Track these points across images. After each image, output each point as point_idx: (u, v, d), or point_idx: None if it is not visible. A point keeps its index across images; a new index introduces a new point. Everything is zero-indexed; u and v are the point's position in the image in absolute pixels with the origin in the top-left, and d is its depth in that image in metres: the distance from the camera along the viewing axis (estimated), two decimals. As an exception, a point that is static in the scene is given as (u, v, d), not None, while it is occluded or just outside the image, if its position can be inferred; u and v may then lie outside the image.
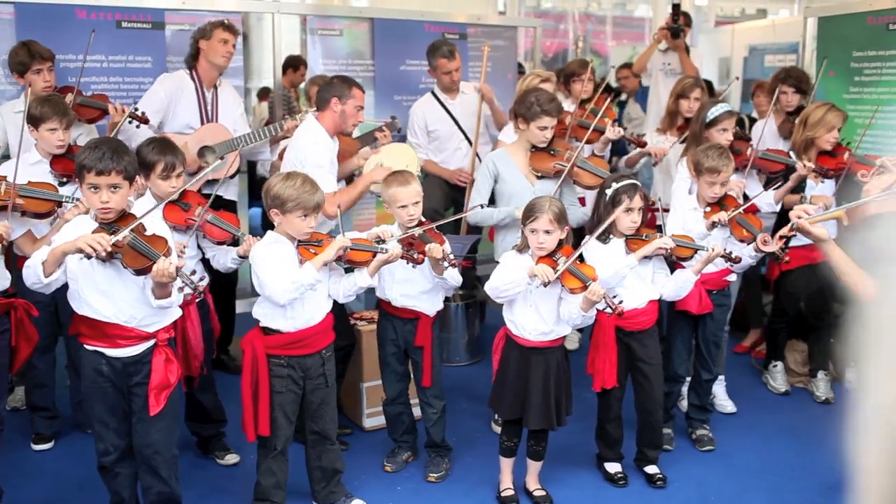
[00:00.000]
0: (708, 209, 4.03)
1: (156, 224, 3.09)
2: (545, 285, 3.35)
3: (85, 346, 3.07)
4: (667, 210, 4.29)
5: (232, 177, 4.22)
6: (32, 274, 2.93)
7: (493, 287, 3.49)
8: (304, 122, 4.24)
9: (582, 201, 4.69)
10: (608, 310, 3.38)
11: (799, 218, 2.75)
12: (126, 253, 2.88)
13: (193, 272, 2.90)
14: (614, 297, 3.36)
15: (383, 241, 3.48)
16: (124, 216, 2.99)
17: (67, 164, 3.84)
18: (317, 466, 3.58)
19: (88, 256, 2.79)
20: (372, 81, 5.87)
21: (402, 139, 5.57)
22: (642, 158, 5.10)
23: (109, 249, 2.80)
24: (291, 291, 3.24)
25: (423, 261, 3.52)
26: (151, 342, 3.07)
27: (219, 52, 4.58)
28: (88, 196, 2.96)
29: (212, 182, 4.40)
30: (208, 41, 4.58)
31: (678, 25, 6.47)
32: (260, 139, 4.50)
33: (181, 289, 2.90)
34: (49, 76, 4.25)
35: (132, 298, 3.00)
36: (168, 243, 2.96)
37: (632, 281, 3.67)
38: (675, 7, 6.60)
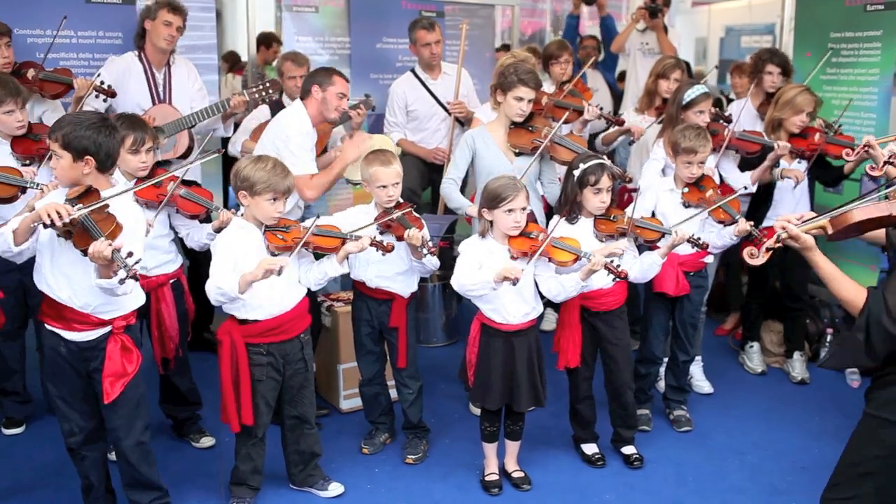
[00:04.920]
0: (685, 190, 4.02)
1: (124, 207, 2.95)
2: (514, 283, 3.27)
3: (46, 325, 3.01)
4: (637, 189, 4.29)
5: (184, 156, 4.14)
6: (3, 242, 2.84)
7: (460, 285, 3.44)
8: (290, 106, 4.16)
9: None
10: (611, 275, 3.39)
11: (783, 228, 2.66)
12: (77, 232, 2.76)
13: (130, 254, 2.70)
14: (611, 261, 3.36)
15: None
16: (89, 193, 2.86)
17: (29, 145, 3.75)
18: (295, 450, 3.55)
19: (45, 225, 2.68)
20: (348, 59, 5.79)
21: (377, 118, 5.51)
22: (620, 137, 5.08)
23: (66, 221, 2.67)
24: (215, 296, 3.20)
25: (392, 248, 3.48)
26: (107, 329, 2.98)
27: (161, 35, 4.43)
28: None
29: (164, 163, 4.31)
30: (153, 22, 4.45)
31: (656, 5, 6.44)
32: (208, 117, 4.40)
33: (116, 272, 2.70)
34: (7, 51, 4.10)
35: (89, 284, 2.88)
36: (115, 221, 2.80)
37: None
38: None
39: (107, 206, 2.84)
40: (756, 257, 2.73)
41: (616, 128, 4.99)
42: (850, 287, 2.57)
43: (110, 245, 2.69)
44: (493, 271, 3.29)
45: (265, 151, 3.83)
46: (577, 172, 3.63)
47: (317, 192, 4.02)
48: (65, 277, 2.91)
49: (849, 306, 2.57)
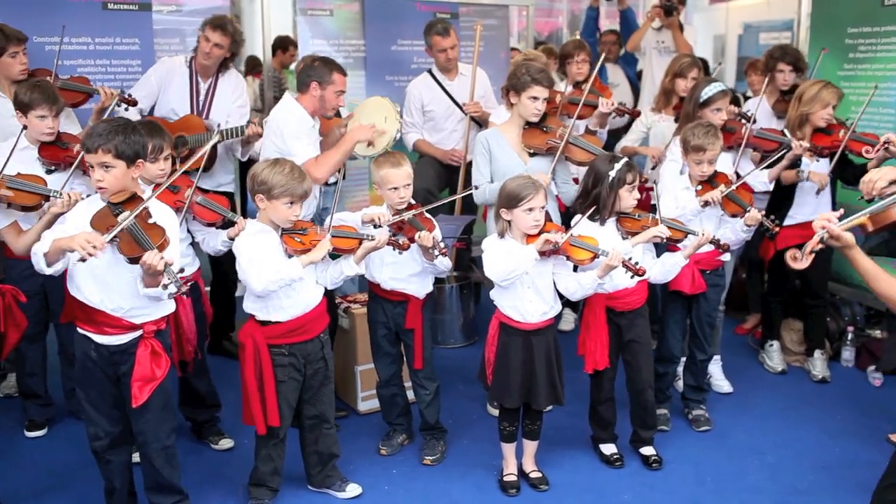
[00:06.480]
0: (699, 187, 4.01)
1: (161, 212, 3.02)
2: (556, 248, 3.38)
3: (77, 329, 3.04)
4: (653, 188, 4.28)
5: (206, 169, 4.14)
6: (36, 263, 2.90)
7: (499, 272, 3.42)
8: (282, 102, 4.16)
9: (576, 180, 4.65)
10: (629, 273, 3.39)
11: (823, 228, 2.59)
12: (123, 238, 2.82)
13: (181, 270, 2.82)
14: (629, 258, 3.36)
15: (378, 226, 3.43)
16: (133, 199, 2.92)
17: (56, 152, 3.79)
18: (313, 451, 3.56)
19: (83, 259, 2.74)
20: (363, 62, 5.81)
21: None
22: (637, 155, 5.09)
23: (101, 253, 2.75)
24: (272, 283, 3.21)
25: (409, 247, 3.50)
26: (138, 333, 3.01)
27: (202, 49, 4.52)
28: (92, 178, 2.93)
29: (188, 173, 4.35)
30: (201, 34, 4.52)
31: (671, 3, 6.42)
32: (229, 137, 4.39)
33: (166, 286, 2.80)
34: (24, 59, 4.15)
35: (124, 288, 2.94)
36: (165, 234, 2.89)
37: None
38: None
39: (150, 213, 2.90)
40: (799, 260, 2.65)
41: (635, 140, 5.02)
42: (894, 284, 2.53)
43: (163, 259, 2.76)
44: (534, 244, 3.38)
45: (266, 151, 3.85)
46: (612, 174, 3.62)
47: (325, 171, 3.99)
48: (97, 282, 2.95)
49: (891, 304, 2.53)
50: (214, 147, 4.42)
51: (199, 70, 4.60)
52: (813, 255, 2.65)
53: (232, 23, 4.57)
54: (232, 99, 4.70)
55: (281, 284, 3.24)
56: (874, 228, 2.58)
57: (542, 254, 3.41)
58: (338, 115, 4.58)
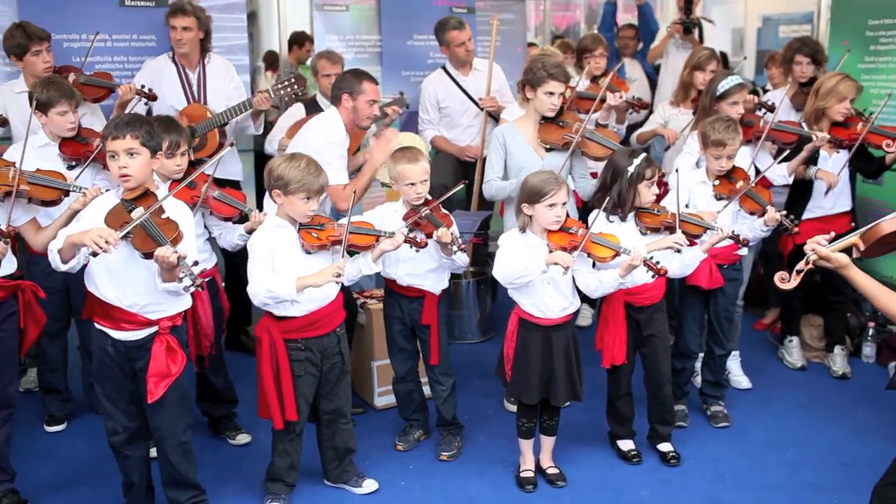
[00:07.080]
0: (717, 182, 3.98)
1: (179, 211, 3.03)
2: (565, 272, 3.35)
3: (94, 324, 3.07)
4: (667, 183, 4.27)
5: (212, 155, 4.17)
6: (52, 260, 2.93)
7: (506, 274, 3.42)
8: (325, 112, 4.16)
9: (594, 175, 4.63)
10: (650, 272, 3.38)
11: (813, 251, 2.61)
12: (136, 234, 2.84)
13: (195, 263, 2.82)
14: (650, 258, 3.34)
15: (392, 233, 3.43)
16: (146, 195, 2.94)
17: (77, 148, 3.82)
18: (330, 446, 3.56)
19: (95, 254, 2.76)
20: (379, 57, 5.81)
21: (410, 115, 5.51)
22: (653, 137, 5.05)
23: (115, 248, 2.76)
24: (264, 299, 3.21)
25: (427, 245, 3.49)
26: (153, 329, 3.03)
27: (174, 39, 4.54)
28: (111, 168, 2.95)
29: (195, 162, 4.37)
30: (169, 28, 4.54)
31: (690, 21, 6.36)
32: (236, 114, 4.42)
33: (181, 280, 2.81)
34: (48, 56, 4.19)
35: (139, 284, 2.96)
36: (178, 228, 2.90)
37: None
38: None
39: (164, 209, 2.92)
40: (787, 281, 2.67)
41: (650, 128, 4.97)
42: (893, 300, 2.52)
43: (176, 253, 2.77)
44: (544, 255, 3.35)
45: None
46: (631, 169, 3.60)
47: (351, 202, 4.02)
48: (112, 278, 2.97)
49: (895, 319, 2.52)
50: (224, 132, 4.43)
51: (182, 62, 4.62)
52: (801, 275, 2.64)
53: (190, 3, 4.58)
54: (225, 81, 4.72)
55: (273, 302, 3.22)
56: (867, 247, 2.57)
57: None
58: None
